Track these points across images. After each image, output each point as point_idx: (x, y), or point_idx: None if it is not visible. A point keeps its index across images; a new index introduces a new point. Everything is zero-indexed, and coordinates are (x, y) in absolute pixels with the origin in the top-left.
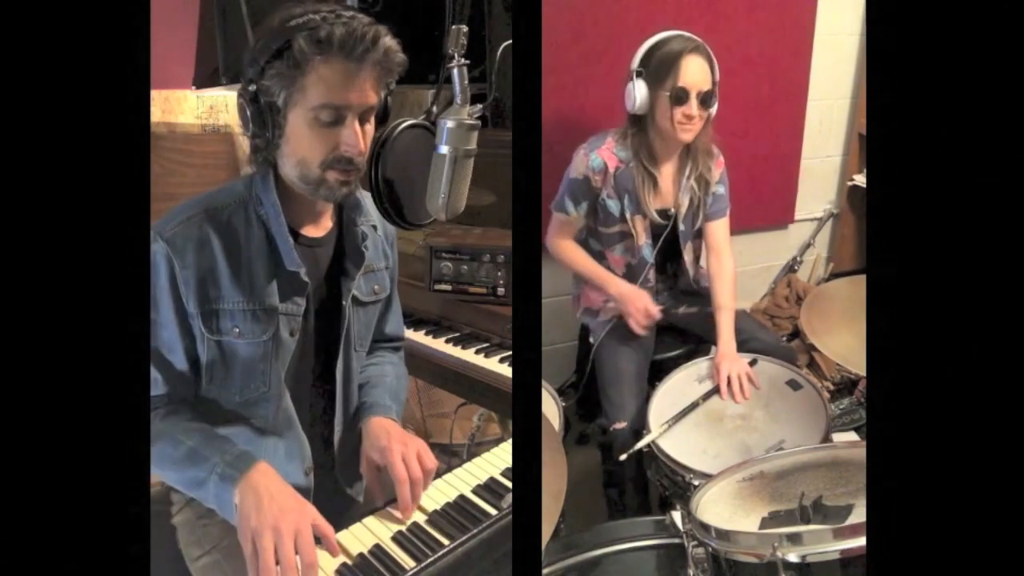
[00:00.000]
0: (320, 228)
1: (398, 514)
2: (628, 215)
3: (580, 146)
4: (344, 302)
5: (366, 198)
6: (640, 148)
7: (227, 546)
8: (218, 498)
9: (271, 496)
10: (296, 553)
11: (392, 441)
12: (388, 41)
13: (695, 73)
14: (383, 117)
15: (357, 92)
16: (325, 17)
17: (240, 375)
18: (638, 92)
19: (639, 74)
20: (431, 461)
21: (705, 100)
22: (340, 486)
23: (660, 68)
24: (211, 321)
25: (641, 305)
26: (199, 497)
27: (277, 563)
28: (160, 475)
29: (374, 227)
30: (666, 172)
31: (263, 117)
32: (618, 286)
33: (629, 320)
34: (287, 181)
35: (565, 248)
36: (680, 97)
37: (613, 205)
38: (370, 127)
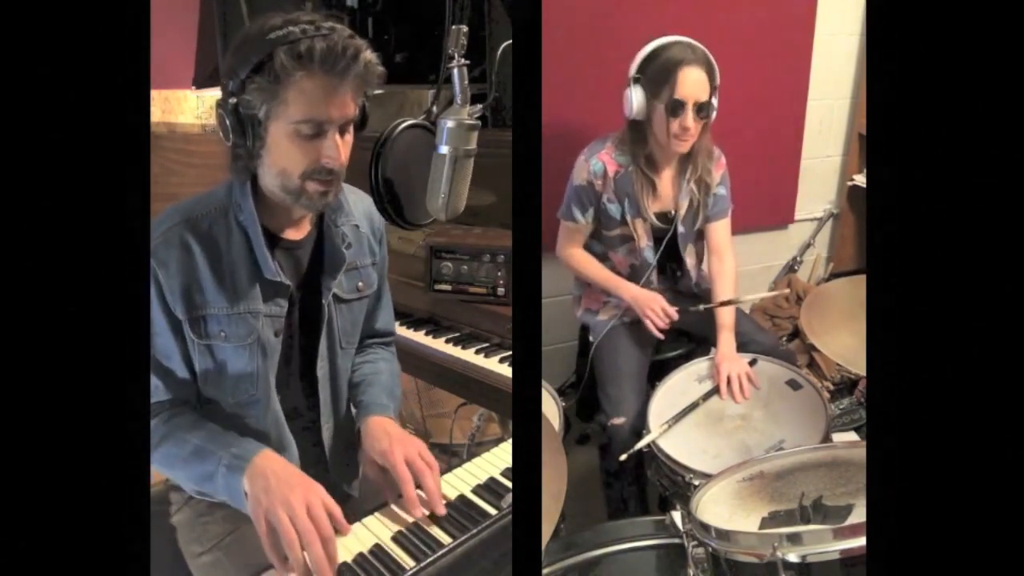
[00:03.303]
0: (300, 231)
1: (409, 513)
2: (628, 218)
3: (581, 152)
4: (324, 301)
5: (348, 198)
6: (639, 154)
7: (228, 543)
8: (228, 488)
9: (278, 476)
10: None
11: (393, 443)
12: (368, 55)
13: (693, 85)
14: (362, 124)
15: (338, 106)
16: (305, 30)
17: (231, 378)
18: (635, 99)
19: (637, 80)
20: (432, 460)
21: (702, 110)
22: (336, 483)
23: (657, 77)
24: (199, 326)
25: (658, 307)
26: (209, 491)
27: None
28: (169, 474)
29: (356, 226)
30: (665, 177)
31: (243, 128)
32: (631, 291)
33: (647, 323)
34: (267, 191)
35: (576, 256)
36: (676, 109)
37: (614, 209)
38: (349, 137)
